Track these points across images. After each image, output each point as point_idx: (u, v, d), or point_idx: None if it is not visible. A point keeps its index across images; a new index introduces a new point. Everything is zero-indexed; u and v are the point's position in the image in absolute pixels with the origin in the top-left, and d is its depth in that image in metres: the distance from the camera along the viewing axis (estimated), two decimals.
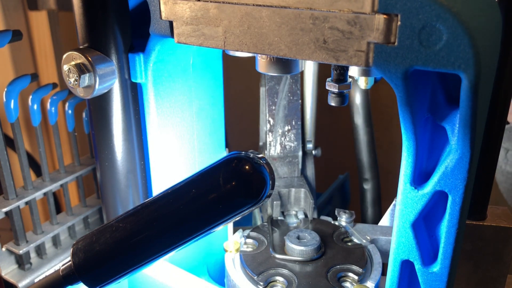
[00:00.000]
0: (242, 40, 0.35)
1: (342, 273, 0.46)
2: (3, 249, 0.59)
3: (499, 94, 0.40)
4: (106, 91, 0.46)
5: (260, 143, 0.64)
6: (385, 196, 0.72)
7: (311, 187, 0.61)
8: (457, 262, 0.35)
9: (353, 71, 0.40)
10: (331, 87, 0.39)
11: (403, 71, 0.29)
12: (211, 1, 0.36)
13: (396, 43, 0.29)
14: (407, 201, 0.34)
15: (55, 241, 0.64)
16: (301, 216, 0.56)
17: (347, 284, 0.45)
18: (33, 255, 0.62)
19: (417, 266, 0.35)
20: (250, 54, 0.40)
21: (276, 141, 0.61)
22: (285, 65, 0.40)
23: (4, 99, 0.55)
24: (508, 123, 0.67)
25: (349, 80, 0.39)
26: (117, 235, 0.37)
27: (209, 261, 0.61)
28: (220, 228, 0.35)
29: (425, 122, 0.33)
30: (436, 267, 0.35)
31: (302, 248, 0.48)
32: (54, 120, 0.62)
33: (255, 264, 0.47)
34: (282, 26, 0.33)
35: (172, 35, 0.40)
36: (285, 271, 0.47)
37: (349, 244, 0.51)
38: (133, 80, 0.47)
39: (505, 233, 0.44)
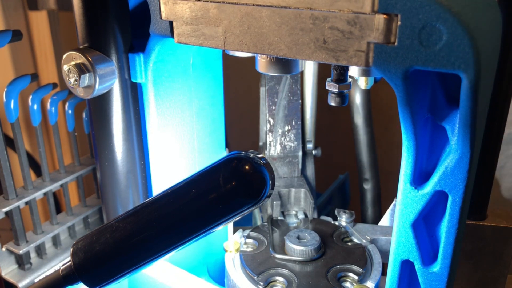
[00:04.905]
0: (242, 40, 0.35)
1: (342, 273, 0.46)
2: (3, 249, 0.59)
3: (499, 94, 0.40)
4: (106, 91, 0.46)
5: (260, 143, 0.64)
6: (385, 196, 0.72)
7: (311, 187, 0.61)
8: (457, 262, 0.35)
9: (353, 71, 0.40)
10: (331, 87, 0.39)
11: (403, 71, 0.29)
12: (211, 1, 0.36)
13: (396, 43, 0.29)
14: (407, 201, 0.34)
15: (55, 241, 0.64)
16: (301, 216, 0.56)
17: (347, 284, 0.45)
18: (33, 255, 0.62)
19: (417, 266, 0.35)
20: (250, 54, 0.40)
21: (276, 141, 0.61)
22: (285, 65, 0.40)
23: (4, 99, 0.55)
24: None
25: (349, 80, 0.39)
26: (117, 235, 0.37)
27: (209, 261, 0.61)
28: (220, 228, 0.35)
29: (425, 122, 0.33)
30: (436, 267, 0.35)
31: (302, 248, 0.48)
32: (54, 120, 0.62)
33: (255, 264, 0.47)
34: (282, 26, 0.33)
35: (172, 35, 0.40)
36: (285, 271, 0.47)
37: (349, 244, 0.51)
38: (133, 80, 0.47)
39: (505, 233, 0.44)
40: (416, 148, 0.32)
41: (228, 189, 0.33)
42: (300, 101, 0.61)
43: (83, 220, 0.68)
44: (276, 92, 0.61)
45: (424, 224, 0.35)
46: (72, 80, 0.43)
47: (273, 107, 0.61)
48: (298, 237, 0.50)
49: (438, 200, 0.34)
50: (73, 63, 0.43)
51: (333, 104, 0.40)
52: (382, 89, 0.68)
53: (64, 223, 0.64)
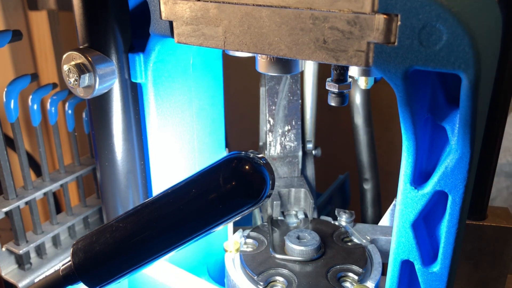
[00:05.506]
0: (242, 40, 0.35)
1: (342, 273, 0.46)
2: (3, 249, 0.59)
3: (499, 94, 0.40)
4: (106, 91, 0.46)
5: (260, 143, 0.64)
6: (385, 196, 0.72)
7: (311, 187, 0.61)
8: (457, 262, 0.35)
9: (353, 71, 0.40)
10: (331, 87, 0.39)
11: (403, 71, 0.29)
12: (211, 1, 0.36)
13: (396, 43, 0.29)
14: (407, 201, 0.34)
15: (55, 241, 0.64)
16: (301, 216, 0.56)
17: (347, 284, 0.45)
18: (33, 255, 0.62)
19: (417, 266, 0.35)
20: (250, 54, 0.40)
21: (276, 141, 0.61)
22: (285, 65, 0.40)
23: (4, 99, 0.55)
24: None
25: (349, 80, 0.39)
26: (117, 235, 0.37)
27: (209, 261, 0.61)
28: (220, 228, 0.35)
29: (425, 122, 0.33)
30: (436, 267, 0.35)
31: (302, 248, 0.48)
32: (54, 120, 0.62)
33: (255, 264, 0.47)
34: (282, 26, 0.33)
35: (172, 35, 0.40)
36: (285, 271, 0.47)
37: (349, 244, 0.51)
38: (133, 80, 0.47)
39: (505, 233, 0.44)
40: (416, 148, 0.32)
41: (228, 189, 0.33)
42: (300, 101, 0.61)
43: (83, 220, 0.68)
44: (276, 92, 0.61)
45: (424, 224, 0.35)
46: (72, 80, 0.43)
47: (273, 107, 0.61)
48: (298, 237, 0.50)
49: (438, 200, 0.34)
50: (73, 63, 0.43)
51: (333, 104, 0.40)
52: (382, 89, 0.68)
53: (64, 223, 0.64)
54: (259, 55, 0.40)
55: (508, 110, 0.41)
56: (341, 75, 0.38)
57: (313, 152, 0.66)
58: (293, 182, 0.60)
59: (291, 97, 0.61)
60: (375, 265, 0.47)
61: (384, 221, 0.54)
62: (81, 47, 0.45)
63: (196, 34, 0.38)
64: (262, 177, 0.33)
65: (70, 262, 0.38)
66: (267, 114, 0.61)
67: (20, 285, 0.58)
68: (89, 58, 0.43)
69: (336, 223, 0.54)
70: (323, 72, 0.66)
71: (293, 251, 0.48)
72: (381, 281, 0.46)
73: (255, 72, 0.44)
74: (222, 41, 0.36)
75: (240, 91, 0.90)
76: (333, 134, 0.94)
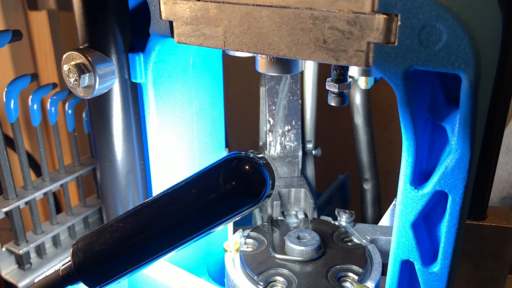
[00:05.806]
0: (242, 40, 0.35)
1: (342, 273, 0.46)
2: (3, 249, 0.59)
3: (499, 94, 0.40)
4: (106, 91, 0.46)
5: (260, 143, 0.64)
6: (385, 196, 0.72)
7: (311, 187, 0.61)
8: (457, 262, 0.35)
9: (353, 71, 0.40)
10: (331, 87, 0.39)
11: (403, 71, 0.29)
12: (211, 1, 0.36)
13: (396, 43, 0.29)
14: (407, 201, 0.34)
15: (55, 241, 0.64)
16: (301, 216, 0.56)
17: (347, 284, 0.45)
18: (33, 255, 0.62)
19: (417, 266, 0.35)
20: (250, 54, 0.40)
21: (276, 141, 0.61)
22: (285, 65, 0.40)
23: (4, 99, 0.55)
24: None
25: (349, 80, 0.39)
26: (117, 235, 0.37)
27: (209, 261, 0.61)
28: (220, 228, 0.35)
29: (425, 122, 0.33)
30: (436, 267, 0.35)
31: (302, 248, 0.48)
32: (54, 120, 0.62)
33: (255, 264, 0.47)
34: (282, 26, 0.33)
35: (172, 35, 0.40)
36: (285, 271, 0.47)
37: (349, 244, 0.51)
38: (133, 80, 0.47)
39: (505, 233, 0.44)
40: (416, 148, 0.32)
41: (228, 189, 0.33)
42: (300, 101, 0.61)
43: (83, 220, 0.68)
44: (276, 92, 0.61)
45: (424, 224, 0.35)
46: (72, 80, 0.43)
47: (273, 107, 0.61)
48: (298, 237, 0.50)
49: (438, 200, 0.34)
50: (73, 63, 0.43)
51: (333, 104, 0.40)
52: (382, 89, 0.68)
53: (64, 223, 0.64)
54: (259, 55, 0.40)
55: (508, 109, 0.41)
56: (341, 75, 0.38)
57: (313, 152, 0.66)
58: (293, 182, 0.60)
59: (291, 97, 0.61)
60: (375, 265, 0.47)
61: (384, 221, 0.54)
62: (81, 47, 0.45)
63: (196, 34, 0.38)
64: (262, 177, 0.33)
65: (70, 262, 0.38)
66: (267, 114, 0.61)
67: (20, 285, 0.58)
68: (89, 58, 0.43)
69: (336, 223, 0.54)
70: (323, 72, 0.66)
71: (293, 251, 0.48)
72: (381, 281, 0.46)
73: (255, 72, 0.44)
74: (222, 41, 0.36)
75: (240, 91, 0.90)
76: (333, 134, 0.95)
